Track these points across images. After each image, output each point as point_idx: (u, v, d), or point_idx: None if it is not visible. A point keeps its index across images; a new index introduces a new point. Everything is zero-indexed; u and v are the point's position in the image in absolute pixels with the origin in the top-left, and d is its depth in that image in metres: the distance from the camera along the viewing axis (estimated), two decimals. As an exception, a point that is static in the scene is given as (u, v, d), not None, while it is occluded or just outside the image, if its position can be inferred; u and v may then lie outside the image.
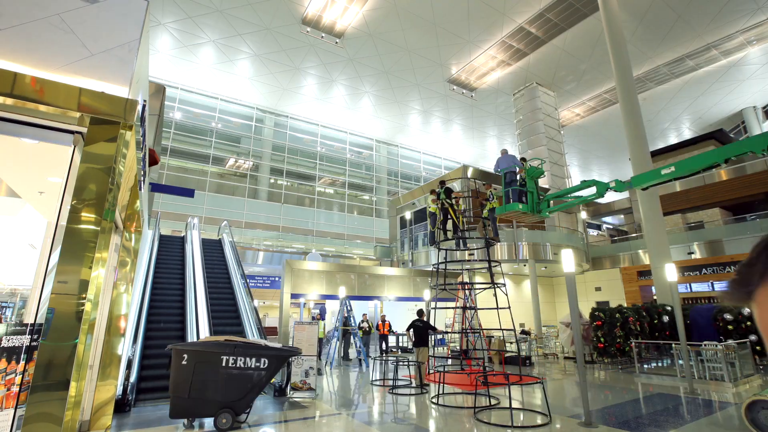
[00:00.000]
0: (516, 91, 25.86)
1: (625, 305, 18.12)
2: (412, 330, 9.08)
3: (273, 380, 7.61)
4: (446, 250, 10.91)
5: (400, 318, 18.05)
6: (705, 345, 9.28)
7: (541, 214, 8.31)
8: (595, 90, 25.83)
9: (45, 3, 3.25)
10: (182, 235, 15.42)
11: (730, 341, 9.29)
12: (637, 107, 15.72)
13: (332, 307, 19.84)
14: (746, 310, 10.78)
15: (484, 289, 10.39)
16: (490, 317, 13.74)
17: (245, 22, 19.89)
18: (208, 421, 5.79)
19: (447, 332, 15.08)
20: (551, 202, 8.49)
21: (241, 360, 5.54)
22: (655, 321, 12.36)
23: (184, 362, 5.43)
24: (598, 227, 29.73)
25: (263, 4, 18.85)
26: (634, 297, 18.88)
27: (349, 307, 13.23)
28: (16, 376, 3.06)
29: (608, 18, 16.86)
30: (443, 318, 16.39)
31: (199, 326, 8.51)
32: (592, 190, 7.62)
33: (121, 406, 6.14)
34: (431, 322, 9.75)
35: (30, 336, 3.14)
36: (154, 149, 7.71)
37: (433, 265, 11.66)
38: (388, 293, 18.09)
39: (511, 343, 13.77)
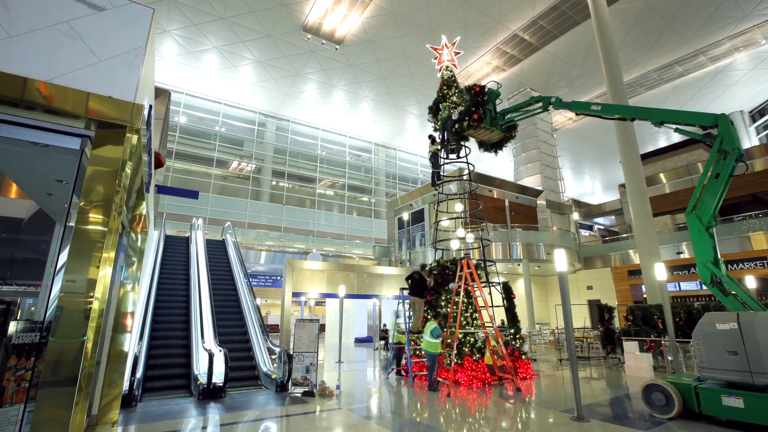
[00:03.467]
0: (510, 96, 26.49)
1: (616, 303, 18.74)
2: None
3: (274, 376, 7.81)
4: (443, 250, 11.46)
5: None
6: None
7: (497, 128, 9.37)
8: (586, 95, 26.49)
9: (54, 11, 3.34)
10: (187, 235, 15.71)
11: None
12: (628, 112, 16.07)
13: (332, 305, 20.33)
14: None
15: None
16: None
17: (248, 30, 20.47)
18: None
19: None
20: (506, 116, 9.40)
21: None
22: (656, 316, 12.69)
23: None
24: (590, 228, 30.31)
25: (265, 12, 19.43)
26: (625, 295, 19.43)
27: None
28: (26, 372, 3.11)
29: (599, 25, 17.25)
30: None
31: (203, 324, 8.67)
32: (539, 105, 8.59)
33: (128, 401, 6.23)
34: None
35: (40, 333, 3.19)
36: (160, 152, 7.89)
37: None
38: (386, 292, 18.57)
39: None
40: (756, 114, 28.52)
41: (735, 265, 16.79)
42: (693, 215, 6.09)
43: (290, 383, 7.61)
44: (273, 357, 8.82)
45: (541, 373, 10.32)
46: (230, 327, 9.69)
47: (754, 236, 16.63)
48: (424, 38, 20.74)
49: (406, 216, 23.10)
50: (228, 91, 26.09)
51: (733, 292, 5.64)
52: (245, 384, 8.16)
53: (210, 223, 22.78)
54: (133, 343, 6.86)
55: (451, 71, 12.14)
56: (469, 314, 9.12)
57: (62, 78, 3.24)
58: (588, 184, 40.08)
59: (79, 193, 3.29)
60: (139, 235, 6.05)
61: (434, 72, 23.73)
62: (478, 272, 9.68)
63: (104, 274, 3.26)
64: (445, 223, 12.09)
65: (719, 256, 5.83)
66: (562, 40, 21.65)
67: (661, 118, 6.85)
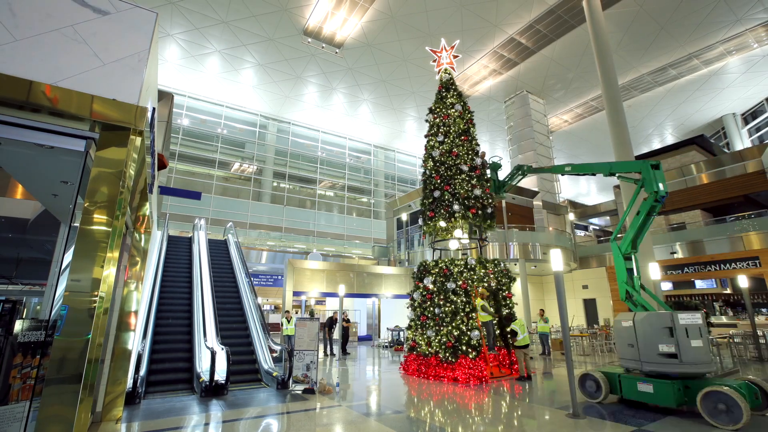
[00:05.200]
0: (507, 99, 26.87)
1: (611, 302, 19.08)
2: None
3: (275, 374, 7.92)
4: (441, 249, 11.76)
5: (401, 314, 18.87)
6: None
7: (499, 195, 11.06)
8: (582, 97, 26.84)
9: (59, 15, 3.35)
10: (189, 235, 15.96)
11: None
12: (622, 114, 16.01)
13: (332, 304, 20.66)
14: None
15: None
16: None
17: (249, 33, 20.78)
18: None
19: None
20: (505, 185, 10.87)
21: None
22: None
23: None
24: (585, 228, 30.67)
25: (267, 16, 19.73)
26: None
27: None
28: (31, 369, 3.15)
29: (595, 29, 17.44)
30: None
31: (206, 323, 8.81)
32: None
33: (132, 399, 6.31)
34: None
35: (45, 332, 3.24)
36: (163, 154, 7.87)
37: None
38: (385, 291, 18.91)
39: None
40: (748, 116, 28.85)
41: (727, 265, 17.08)
42: (614, 243, 7.11)
43: (291, 381, 7.73)
44: (274, 355, 8.94)
45: (537, 370, 10.38)
46: (232, 325, 9.82)
47: (746, 236, 16.92)
48: (422, 42, 21.07)
49: (404, 216, 23.41)
50: (230, 93, 26.40)
51: (642, 304, 6.58)
52: (247, 381, 8.24)
53: (212, 224, 23.14)
54: (136, 342, 6.89)
55: (449, 74, 12.37)
56: (465, 314, 9.41)
57: (67, 81, 3.28)
58: (583, 185, 40.40)
59: (84, 194, 3.30)
60: (143, 236, 6.11)
61: (432, 75, 24.22)
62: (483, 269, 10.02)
63: (108, 273, 3.29)
64: (442, 223, 12.40)
65: (636, 275, 6.83)
66: (558, 44, 21.97)
67: (609, 170, 7.81)
